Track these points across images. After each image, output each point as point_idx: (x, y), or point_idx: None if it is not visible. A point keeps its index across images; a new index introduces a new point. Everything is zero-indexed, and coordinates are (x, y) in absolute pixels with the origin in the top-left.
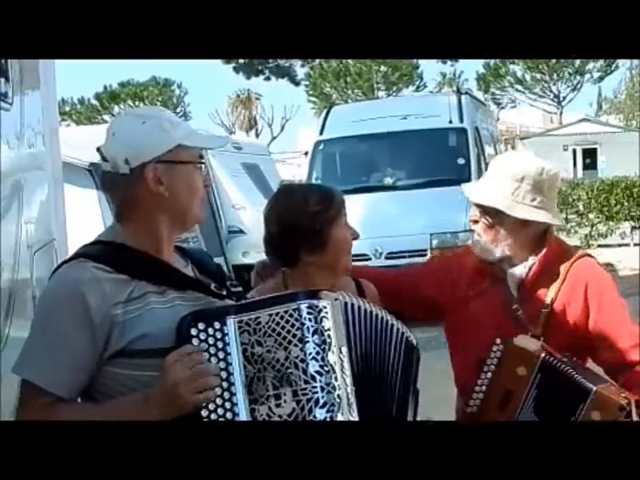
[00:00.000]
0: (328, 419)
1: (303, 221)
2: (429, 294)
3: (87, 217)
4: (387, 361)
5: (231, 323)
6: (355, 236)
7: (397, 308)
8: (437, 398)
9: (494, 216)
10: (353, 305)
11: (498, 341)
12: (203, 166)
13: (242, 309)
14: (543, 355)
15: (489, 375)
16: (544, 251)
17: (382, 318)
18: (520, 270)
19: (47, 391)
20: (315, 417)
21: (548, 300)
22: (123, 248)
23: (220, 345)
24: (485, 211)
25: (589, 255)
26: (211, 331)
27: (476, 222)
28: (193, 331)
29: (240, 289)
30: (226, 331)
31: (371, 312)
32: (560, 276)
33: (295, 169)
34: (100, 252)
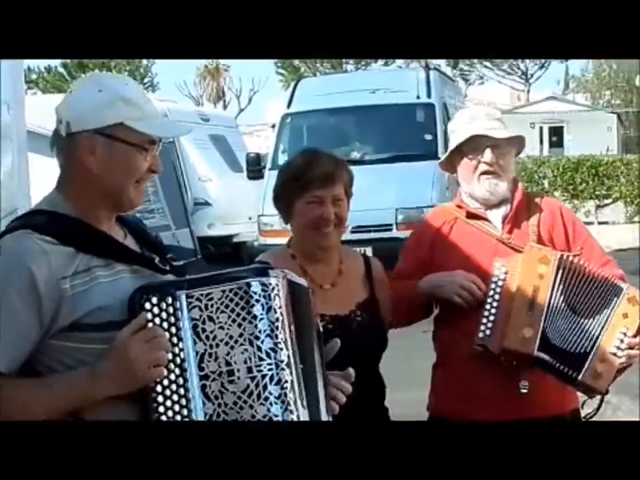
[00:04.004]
0: (283, 396)
1: (276, 187)
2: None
3: (51, 186)
4: (310, 330)
5: (183, 297)
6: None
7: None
8: (411, 372)
9: (503, 152)
10: (290, 280)
11: (498, 264)
12: (157, 151)
13: (194, 283)
14: (559, 253)
15: (497, 296)
16: (519, 185)
17: (295, 283)
18: (500, 208)
19: None
20: (270, 392)
21: (533, 226)
22: (66, 219)
23: (172, 319)
24: (499, 151)
25: None
26: (163, 305)
27: (490, 172)
28: (147, 305)
29: (181, 262)
30: (178, 306)
31: (291, 281)
32: (537, 206)
33: (262, 141)
34: (44, 223)
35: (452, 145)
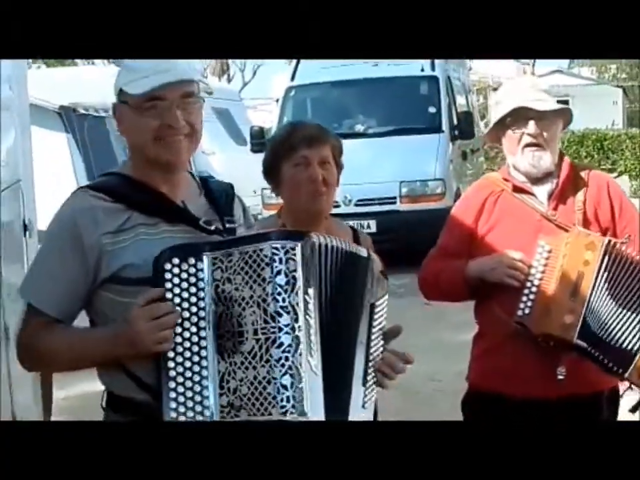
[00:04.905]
0: (284, 360)
1: (264, 158)
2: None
3: (56, 159)
4: (353, 299)
5: (206, 258)
6: None
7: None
8: (410, 347)
9: (548, 124)
10: (326, 245)
11: (542, 242)
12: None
13: (218, 245)
14: (606, 239)
15: (538, 275)
16: (565, 158)
17: (350, 252)
18: (547, 183)
19: (42, 311)
20: (270, 355)
21: (580, 202)
22: (126, 179)
23: (192, 280)
24: (544, 123)
25: None
26: (184, 266)
27: (534, 144)
28: (167, 265)
29: (234, 225)
30: (200, 267)
31: (340, 248)
32: (584, 182)
33: (266, 115)
34: (103, 182)
35: (496, 117)
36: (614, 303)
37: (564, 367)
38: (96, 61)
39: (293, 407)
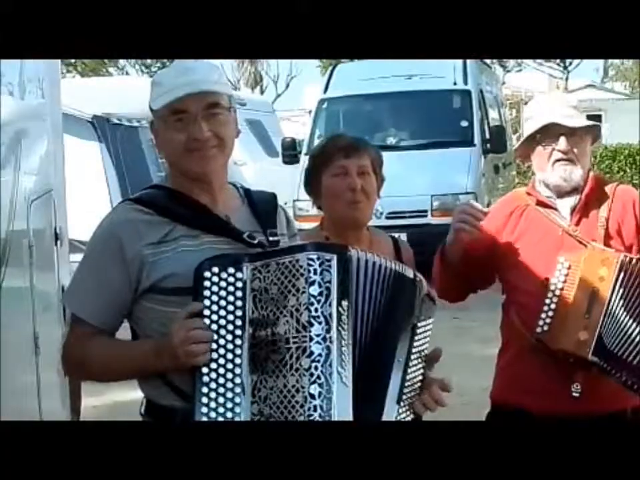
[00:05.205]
0: (313, 369)
1: (304, 170)
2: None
3: (88, 169)
4: (393, 317)
5: (245, 269)
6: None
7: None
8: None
9: (578, 141)
10: (366, 260)
11: (562, 259)
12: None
13: (258, 257)
14: (621, 255)
15: (557, 292)
16: (591, 174)
17: (394, 271)
18: (570, 197)
19: (86, 322)
20: (300, 364)
21: (602, 218)
22: (167, 191)
23: (231, 289)
24: (574, 139)
25: None
26: (224, 275)
27: (564, 159)
28: (206, 274)
29: (278, 238)
30: (239, 276)
31: (384, 266)
32: (608, 197)
33: (299, 127)
34: (145, 195)
35: (526, 133)
36: (630, 319)
37: (579, 384)
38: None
39: (320, 416)
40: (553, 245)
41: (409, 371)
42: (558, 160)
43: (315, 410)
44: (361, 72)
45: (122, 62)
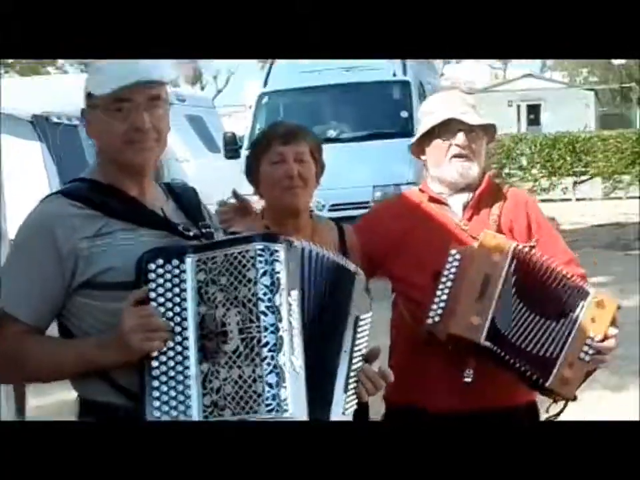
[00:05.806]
0: (270, 359)
1: (246, 157)
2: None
3: (28, 168)
4: (337, 308)
5: (189, 261)
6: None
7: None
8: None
9: (475, 138)
10: (310, 251)
11: (453, 251)
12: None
13: (201, 248)
14: (514, 243)
15: (449, 283)
16: (486, 175)
17: (337, 264)
18: (462, 194)
19: (18, 319)
20: (256, 354)
21: (495, 215)
22: (98, 185)
23: (176, 281)
24: (471, 135)
25: None
26: (168, 267)
27: (462, 155)
28: (151, 266)
29: (211, 230)
30: (183, 268)
31: (327, 258)
32: (501, 197)
33: (240, 122)
34: (76, 189)
35: (425, 127)
36: (526, 307)
37: (471, 370)
38: (69, 69)
39: (278, 405)
40: (444, 240)
41: (354, 361)
42: (455, 155)
43: (274, 399)
44: (299, 65)
45: (60, 61)
